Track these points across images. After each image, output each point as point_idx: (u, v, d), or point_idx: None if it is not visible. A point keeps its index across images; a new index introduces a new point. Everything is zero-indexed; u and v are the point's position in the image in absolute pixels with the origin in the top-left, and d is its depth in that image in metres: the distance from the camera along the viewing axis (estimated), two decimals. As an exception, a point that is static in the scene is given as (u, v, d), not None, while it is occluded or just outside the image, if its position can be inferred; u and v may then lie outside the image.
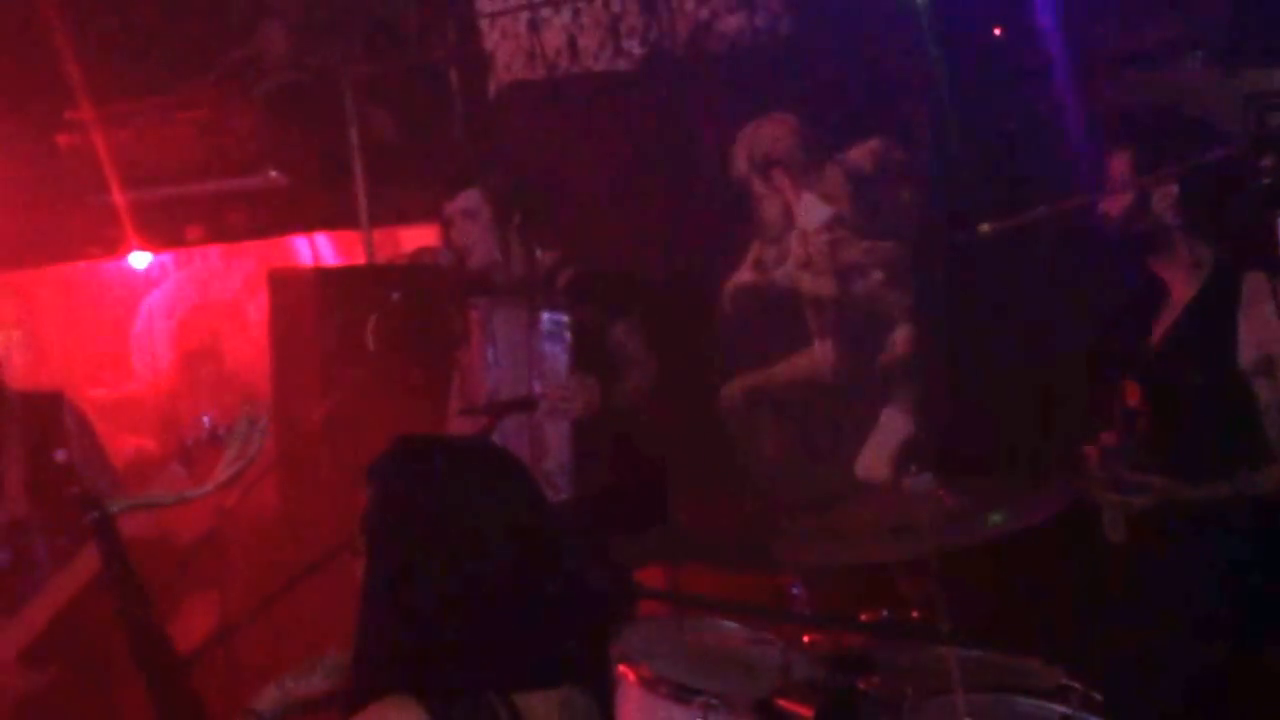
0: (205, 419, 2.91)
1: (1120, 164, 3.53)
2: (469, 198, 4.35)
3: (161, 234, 6.15)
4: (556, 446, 4.29)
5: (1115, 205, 3.54)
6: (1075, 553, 3.72)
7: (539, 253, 4.41)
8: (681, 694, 3.20)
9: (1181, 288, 3.56)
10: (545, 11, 5.41)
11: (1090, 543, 3.55)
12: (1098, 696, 3.05)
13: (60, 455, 4.03)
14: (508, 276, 4.38)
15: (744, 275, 4.98)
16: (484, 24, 5.60)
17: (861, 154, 4.79)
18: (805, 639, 3.52)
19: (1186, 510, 3.39)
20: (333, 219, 6.18)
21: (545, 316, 4.29)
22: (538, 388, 4.27)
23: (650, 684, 3.26)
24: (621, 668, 3.28)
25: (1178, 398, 3.48)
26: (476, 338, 4.40)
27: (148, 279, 7.23)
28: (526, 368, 4.30)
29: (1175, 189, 3.45)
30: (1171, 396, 3.47)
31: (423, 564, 2.03)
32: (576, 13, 5.33)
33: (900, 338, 4.75)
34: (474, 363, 4.42)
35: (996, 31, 4.56)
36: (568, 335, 4.27)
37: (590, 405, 4.26)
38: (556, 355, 4.28)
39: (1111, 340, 3.80)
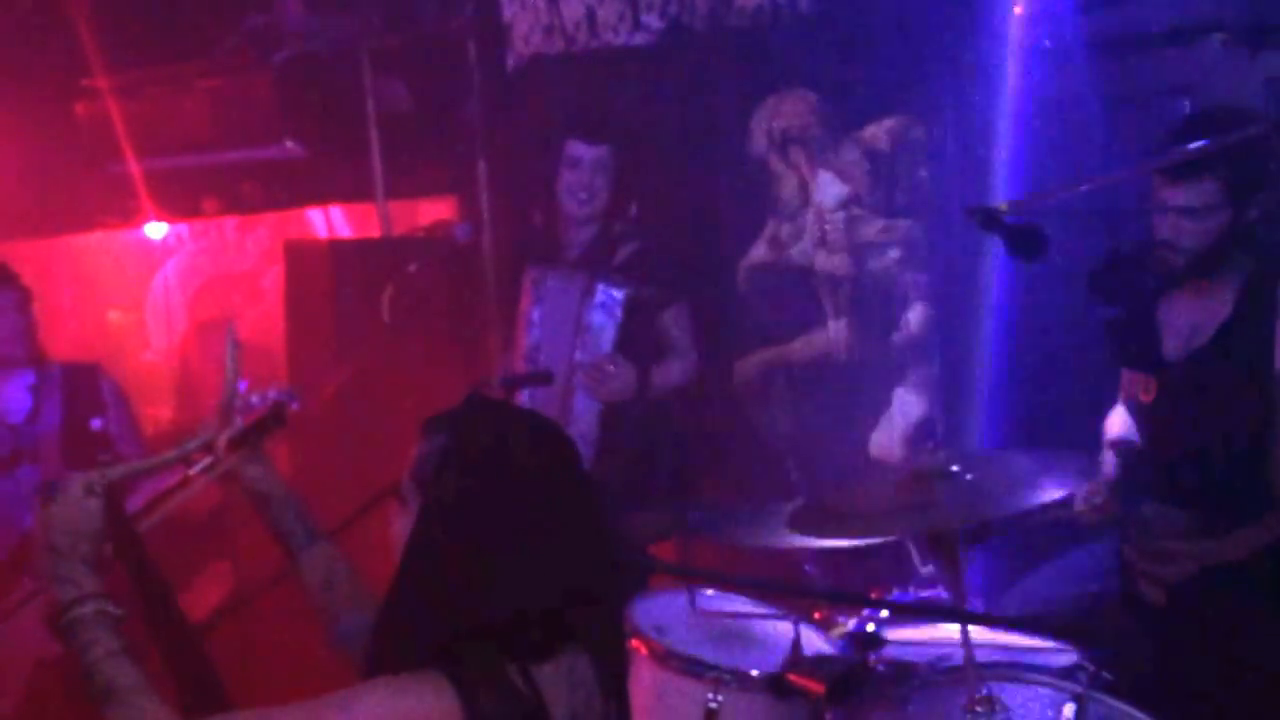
0: (240, 386, 2.92)
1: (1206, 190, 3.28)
2: (601, 150, 4.39)
3: (177, 204, 6.15)
4: (584, 418, 4.30)
5: (1194, 235, 3.32)
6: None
7: (615, 224, 4.45)
8: (693, 668, 3.21)
9: (1217, 296, 3.43)
10: (564, -17, 5.38)
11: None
12: (1108, 676, 3.05)
13: (96, 424, 4.11)
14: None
15: (759, 252, 4.96)
16: (503, -4, 5.57)
17: (879, 132, 4.77)
18: (817, 615, 3.53)
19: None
20: (349, 191, 6.17)
21: (600, 288, 4.30)
22: (578, 355, 4.27)
23: (662, 658, 3.27)
24: (634, 642, 3.29)
25: (1209, 414, 3.37)
26: (525, 296, 4.41)
27: (164, 249, 7.24)
28: (571, 334, 4.30)
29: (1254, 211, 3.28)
30: (1199, 413, 3.38)
31: (494, 528, 1.99)
32: (596, -15, 5.30)
33: (915, 317, 4.73)
34: (517, 321, 4.42)
35: (1017, 10, 4.53)
36: (619, 312, 4.27)
37: (625, 390, 4.26)
38: (604, 329, 4.28)
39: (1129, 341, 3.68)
